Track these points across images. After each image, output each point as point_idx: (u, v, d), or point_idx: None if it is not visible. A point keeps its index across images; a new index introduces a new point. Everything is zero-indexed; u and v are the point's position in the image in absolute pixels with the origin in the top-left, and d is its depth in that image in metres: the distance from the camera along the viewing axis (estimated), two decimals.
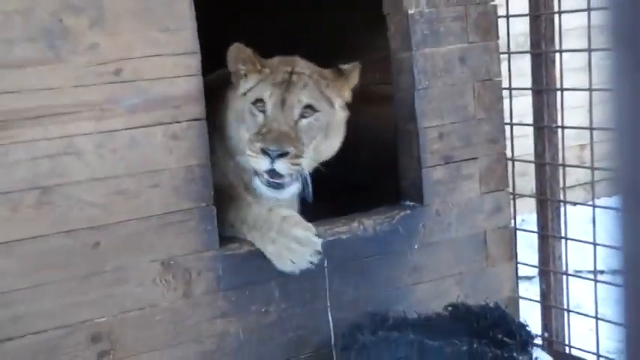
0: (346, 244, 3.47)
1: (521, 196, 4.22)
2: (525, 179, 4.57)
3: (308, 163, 3.34)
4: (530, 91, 4.01)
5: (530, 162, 4.07)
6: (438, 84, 3.67)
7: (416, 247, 3.65)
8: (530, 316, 4.17)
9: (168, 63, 3.06)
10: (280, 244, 3.19)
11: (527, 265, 4.18)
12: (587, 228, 3.81)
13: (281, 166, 3.20)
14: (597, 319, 3.75)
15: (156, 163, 3.07)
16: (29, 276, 2.90)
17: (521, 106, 4.10)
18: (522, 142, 4.16)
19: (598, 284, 3.76)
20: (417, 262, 3.66)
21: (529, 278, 4.61)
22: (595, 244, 3.71)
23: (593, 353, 3.79)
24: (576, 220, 4.16)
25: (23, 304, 2.90)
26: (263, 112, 3.35)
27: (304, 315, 3.40)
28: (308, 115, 3.37)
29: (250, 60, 3.45)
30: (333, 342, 3.38)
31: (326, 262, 3.38)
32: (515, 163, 4.08)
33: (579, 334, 3.99)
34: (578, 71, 3.88)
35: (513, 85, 4.05)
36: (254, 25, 4.79)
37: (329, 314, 3.43)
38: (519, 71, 4.12)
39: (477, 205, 3.83)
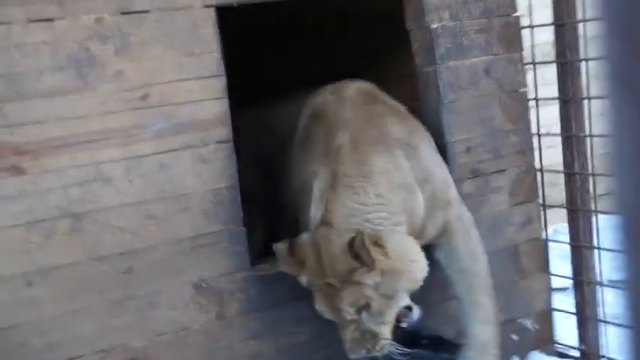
0: None
1: (552, 206, 4.22)
2: (555, 190, 4.56)
3: (389, 329, 3.11)
4: (557, 101, 4.01)
5: (559, 172, 4.06)
6: (464, 97, 3.71)
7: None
8: (566, 328, 4.17)
9: (195, 87, 3.12)
10: None
11: (560, 276, 4.17)
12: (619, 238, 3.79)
13: (376, 354, 3.07)
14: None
15: (185, 186, 3.12)
16: (64, 302, 2.96)
17: (548, 116, 4.11)
18: (551, 152, 4.16)
19: None
20: (442, 279, 3.66)
21: (563, 290, 4.58)
22: None
23: None
24: (609, 229, 4.13)
25: (59, 331, 2.96)
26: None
27: (335, 333, 3.41)
28: (360, 310, 3.02)
29: (292, 263, 3.10)
30: None
31: None
32: (545, 173, 4.09)
33: (617, 345, 3.97)
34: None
35: (539, 95, 4.06)
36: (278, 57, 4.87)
37: None
38: (545, 81, 4.12)
39: (507, 218, 3.84)
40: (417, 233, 3.24)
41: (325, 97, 3.46)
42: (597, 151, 4.00)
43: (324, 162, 3.17)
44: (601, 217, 4.02)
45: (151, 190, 3.07)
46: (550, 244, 4.13)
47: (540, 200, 4.02)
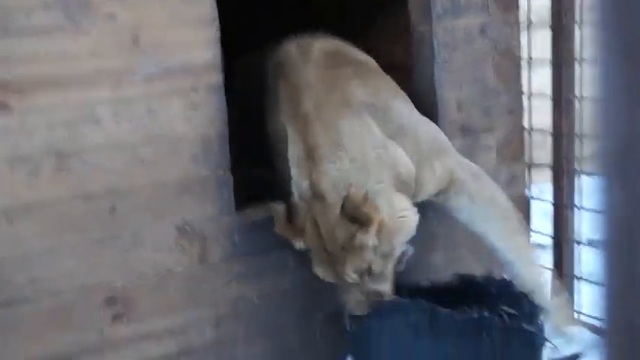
0: None
1: (537, 165, 4.09)
2: (542, 151, 4.43)
3: (390, 284, 3.03)
4: (549, 64, 3.84)
5: (546, 132, 3.94)
6: (458, 56, 3.53)
7: (431, 215, 3.52)
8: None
9: (187, 32, 2.93)
10: None
11: (541, 233, 4.06)
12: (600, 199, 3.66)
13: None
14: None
15: (173, 131, 2.96)
16: (47, 239, 2.82)
17: (539, 78, 3.95)
18: (540, 113, 4.02)
19: None
20: (432, 230, 3.54)
21: (543, 247, 4.49)
22: None
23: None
24: (591, 191, 4.01)
25: (41, 267, 2.82)
26: None
27: (319, 281, 3.29)
28: (363, 274, 2.92)
29: (289, 228, 3.00)
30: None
31: None
32: (533, 134, 3.95)
33: (590, 303, 3.88)
34: None
35: (533, 57, 3.90)
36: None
37: None
38: (539, 43, 3.96)
39: (494, 176, 3.68)
40: (411, 189, 3.10)
41: (290, 48, 3.28)
42: (586, 114, 3.85)
43: (294, 126, 3.03)
44: (585, 178, 3.89)
45: (139, 133, 2.90)
46: (533, 203, 4.00)
47: (527, 160, 3.87)
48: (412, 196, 3.10)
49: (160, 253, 2.99)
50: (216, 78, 3.00)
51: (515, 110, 3.73)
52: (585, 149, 3.94)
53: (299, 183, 2.96)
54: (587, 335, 3.68)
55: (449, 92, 3.54)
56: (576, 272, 3.92)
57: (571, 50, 3.77)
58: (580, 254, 3.91)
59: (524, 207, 3.84)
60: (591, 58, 0.89)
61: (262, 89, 3.43)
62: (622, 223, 0.92)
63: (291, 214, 2.97)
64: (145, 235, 2.96)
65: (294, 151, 3.00)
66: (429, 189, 3.21)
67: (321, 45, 3.27)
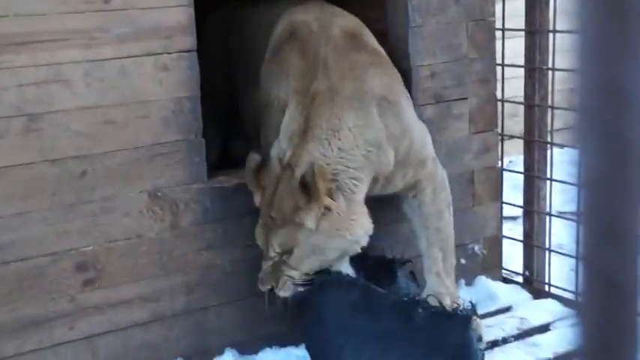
0: None
1: (510, 137, 4.10)
2: (514, 121, 4.44)
3: (301, 272, 2.99)
4: (523, 33, 3.86)
5: (519, 103, 3.95)
6: (432, 22, 3.53)
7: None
8: (513, 255, 4.10)
9: None
10: None
11: (512, 204, 4.08)
12: (573, 171, 3.69)
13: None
14: (578, 259, 3.66)
15: (145, 93, 2.93)
16: (16, 203, 2.78)
17: (513, 48, 3.96)
18: (513, 84, 4.03)
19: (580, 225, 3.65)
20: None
21: (513, 218, 4.52)
22: (579, 186, 3.60)
23: (572, 292, 3.72)
24: (562, 162, 4.05)
25: (9, 231, 2.79)
26: None
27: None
28: (285, 253, 2.94)
29: (255, 182, 3.01)
30: None
31: None
32: (505, 104, 3.95)
33: (560, 273, 3.92)
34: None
35: (507, 26, 3.90)
36: None
37: None
38: (513, 12, 3.96)
39: (466, 145, 3.71)
40: (383, 183, 3.12)
41: (308, 19, 3.23)
42: (559, 85, 3.87)
43: (298, 98, 3.01)
44: (556, 150, 3.91)
45: (110, 94, 2.87)
46: (505, 174, 4.02)
47: (499, 130, 3.87)
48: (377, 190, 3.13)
49: (131, 219, 2.97)
50: (189, 40, 2.98)
51: (489, 79, 3.73)
52: (558, 121, 3.96)
53: (283, 151, 2.97)
54: (557, 307, 3.72)
55: (422, 59, 3.53)
56: (547, 244, 3.95)
57: (545, 19, 3.78)
58: (550, 226, 3.93)
59: (496, 178, 3.86)
60: (569, 9, 0.88)
61: (255, 49, 3.42)
62: (598, 177, 0.90)
63: (262, 169, 2.97)
64: (115, 200, 2.93)
65: (290, 125, 2.99)
66: (395, 187, 3.23)
67: (342, 23, 3.23)
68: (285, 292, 2.94)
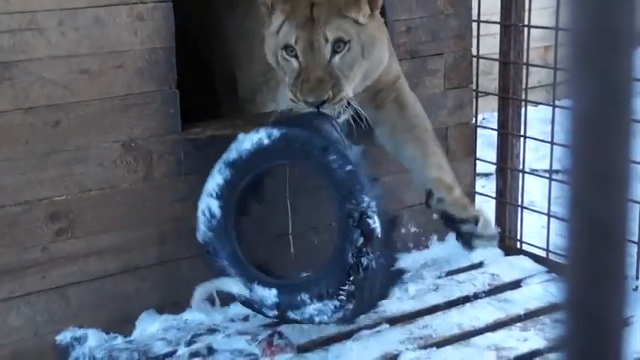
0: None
1: (485, 94, 4.21)
2: (489, 78, 4.54)
3: (355, 89, 3.14)
4: None
5: (494, 60, 4.04)
6: None
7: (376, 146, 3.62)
8: (486, 211, 4.21)
9: None
10: None
11: (485, 161, 4.19)
12: (546, 128, 3.81)
13: (326, 110, 3.02)
14: (549, 216, 3.80)
15: (120, 43, 3.00)
16: None
17: (489, 4, 4.04)
18: (488, 41, 4.12)
19: (552, 183, 3.78)
20: (378, 155, 3.63)
21: (486, 175, 4.63)
22: (552, 144, 3.72)
23: (544, 249, 3.85)
24: (536, 120, 4.17)
25: None
26: (295, 57, 3.06)
27: (261, 202, 3.38)
28: (340, 49, 3.05)
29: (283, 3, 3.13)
30: (290, 229, 3.38)
31: None
32: (480, 61, 4.05)
33: (532, 230, 4.04)
34: None
35: None
36: None
37: (287, 199, 3.40)
38: None
39: (440, 101, 3.81)
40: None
41: None
42: (534, 43, 3.97)
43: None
44: (530, 107, 4.02)
45: (84, 43, 2.94)
46: (478, 131, 4.13)
47: (473, 86, 3.98)
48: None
49: (105, 169, 3.06)
50: None
51: (464, 35, 3.83)
52: (532, 79, 4.07)
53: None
54: (529, 264, 3.84)
55: (398, 14, 3.62)
56: (519, 201, 4.07)
57: None
58: (523, 183, 4.05)
59: (469, 134, 3.97)
60: None
61: None
62: (588, 118, 0.93)
63: None
64: (89, 149, 3.01)
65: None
66: (379, 82, 3.33)
67: None
68: (339, 106, 3.03)
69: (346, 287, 2.95)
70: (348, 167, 2.96)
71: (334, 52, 3.04)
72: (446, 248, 3.91)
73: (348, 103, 3.07)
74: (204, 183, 3.05)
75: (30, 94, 2.88)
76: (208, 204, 3.03)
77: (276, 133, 2.98)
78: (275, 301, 3.02)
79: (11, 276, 2.96)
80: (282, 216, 3.28)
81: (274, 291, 3.03)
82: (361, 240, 2.92)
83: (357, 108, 3.10)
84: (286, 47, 3.08)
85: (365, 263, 2.93)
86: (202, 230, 3.04)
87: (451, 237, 3.95)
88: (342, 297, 2.95)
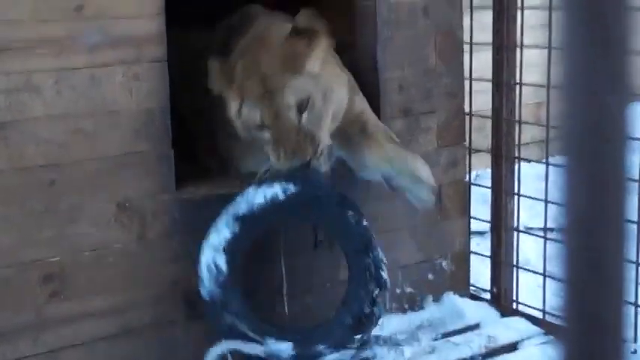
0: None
1: (477, 151, 4.26)
2: (482, 135, 4.59)
3: (327, 134, 3.19)
4: (490, 47, 4.02)
5: (487, 117, 4.09)
6: (401, 35, 3.68)
7: (371, 198, 3.67)
8: (480, 271, 4.24)
9: (132, 2, 3.03)
10: None
11: (479, 220, 4.23)
12: (540, 185, 3.86)
13: (315, 164, 3.07)
14: (545, 276, 3.82)
15: (115, 103, 3.05)
16: None
17: (481, 62, 4.12)
18: (481, 98, 4.18)
19: (547, 242, 3.82)
20: (372, 213, 3.66)
21: (481, 233, 4.65)
22: (546, 202, 3.77)
23: (540, 310, 3.87)
24: (530, 177, 4.21)
25: None
26: (266, 129, 3.10)
27: (257, 260, 3.40)
28: (304, 107, 3.09)
29: (225, 80, 3.19)
30: (285, 289, 3.40)
31: None
32: (473, 118, 4.11)
33: (528, 290, 4.06)
34: (538, 29, 3.91)
35: (475, 41, 4.06)
36: None
37: (282, 258, 3.43)
38: (481, 26, 4.12)
39: (434, 159, 3.85)
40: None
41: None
42: (526, 100, 4.03)
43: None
44: (523, 164, 4.07)
45: (80, 103, 2.98)
46: (472, 188, 4.17)
47: (466, 144, 4.03)
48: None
49: (99, 229, 3.08)
50: (160, 50, 3.10)
51: (457, 93, 3.90)
52: (524, 135, 4.13)
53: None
54: (525, 325, 3.85)
55: (391, 72, 3.68)
56: (514, 260, 4.09)
57: (513, 34, 3.95)
58: (518, 242, 4.07)
59: (463, 192, 4.01)
60: (557, 43, 0.94)
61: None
62: (582, 208, 0.95)
63: (226, 64, 3.19)
64: (83, 209, 3.04)
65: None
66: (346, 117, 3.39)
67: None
68: (324, 162, 3.08)
69: (361, 335, 3.09)
70: (364, 222, 3.17)
71: (300, 112, 3.08)
72: (441, 309, 3.92)
73: (330, 148, 3.16)
74: (206, 237, 3.08)
75: (25, 153, 2.91)
76: (214, 259, 3.06)
77: (292, 188, 3.05)
78: (292, 354, 3.05)
79: (3, 339, 2.96)
80: (277, 276, 3.31)
81: (289, 344, 3.05)
82: (377, 291, 3.04)
83: (340, 153, 3.27)
84: (255, 127, 3.13)
85: (378, 313, 3.11)
86: (207, 286, 3.06)
87: (446, 297, 3.98)
88: (358, 345, 3.06)
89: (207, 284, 3.06)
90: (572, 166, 0.95)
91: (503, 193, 4.06)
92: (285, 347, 3.05)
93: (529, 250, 4.25)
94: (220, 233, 3.07)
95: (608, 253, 0.94)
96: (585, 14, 0.92)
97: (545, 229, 3.82)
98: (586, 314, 0.96)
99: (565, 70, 0.93)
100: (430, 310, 3.95)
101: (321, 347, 3.04)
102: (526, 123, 4.06)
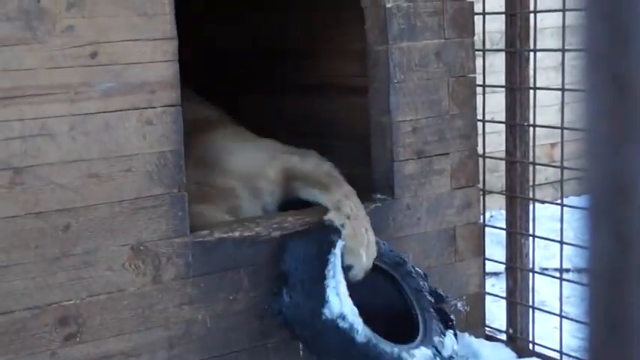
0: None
1: (491, 192, 4.26)
2: (496, 176, 4.61)
3: None
4: (503, 89, 4.04)
5: (501, 159, 4.10)
6: (413, 78, 3.70)
7: (385, 240, 3.67)
8: (496, 312, 4.22)
9: (145, 48, 3.06)
10: None
11: (494, 261, 4.21)
12: (555, 226, 3.86)
13: None
14: (562, 317, 3.80)
15: (129, 147, 3.07)
16: None
17: (494, 104, 4.13)
18: (494, 139, 4.20)
19: (563, 282, 3.80)
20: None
21: (496, 274, 4.64)
22: (562, 243, 3.76)
23: (557, 351, 3.84)
24: (544, 218, 4.21)
25: None
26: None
27: (272, 304, 3.41)
28: None
29: None
30: None
31: None
32: (486, 159, 4.11)
33: (544, 331, 4.04)
34: (550, 70, 3.93)
35: (487, 82, 4.08)
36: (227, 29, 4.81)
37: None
38: (493, 68, 4.15)
39: (448, 201, 3.86)
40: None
41: None
42: (539, 141, 4.04)
43: None
44: (538, 205, 4.06)
45: (94, 148, 3.01)
46: (486, 229, 4.15)
47: (480, 185, 4.03)
48: None
49: (113, 273, 3.09)
50: (173, 95, 3.13)
51: (470, 135, 3.91)
52: (539, 176, 4.13)
53: None
54: None
55: (404, 115, 3.70)
56: (530, 301, 4.08)
57: (525, 76, 3.97)
58: (534, 283, 4.06)
59: (478, 233, 4.01)
60: (578, 89, 0.92)
61: None
62: (607, 262, 0.93)
63: None
64: (98, 253, 3.05)
65: None
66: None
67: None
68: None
69: None
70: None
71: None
72: (458, 350, 3.90)
73: None
74: None
75: (40, 198, 2.93)
76: None
77: None
78: None
79: None
80: None
81: None
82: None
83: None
84: None
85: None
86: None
87: (462, 338, 3.95)
88: None
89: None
90: (595, 220, 0.94)
91: (517, 234, 4.05)
92: None
93: (544, 290, 4.24)
94: None
95: (630, 302, 0.92)
96: (603, 59, 0.91)
97: (560, 270, 3.80)
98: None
99: (586, 123, 0.92)
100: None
101: None
102: (539, 164, 4.07)
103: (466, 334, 3.98)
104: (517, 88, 3.97)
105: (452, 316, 3.47)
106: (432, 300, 3.46)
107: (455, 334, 3.41)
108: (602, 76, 0.90)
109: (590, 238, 0.93)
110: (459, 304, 3.97)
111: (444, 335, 3.36)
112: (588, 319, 0.94)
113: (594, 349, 0.95)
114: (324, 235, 3.34)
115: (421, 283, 3.48)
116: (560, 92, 3.79)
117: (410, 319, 3.43)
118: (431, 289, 3.51)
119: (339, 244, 3.29)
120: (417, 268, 3.51)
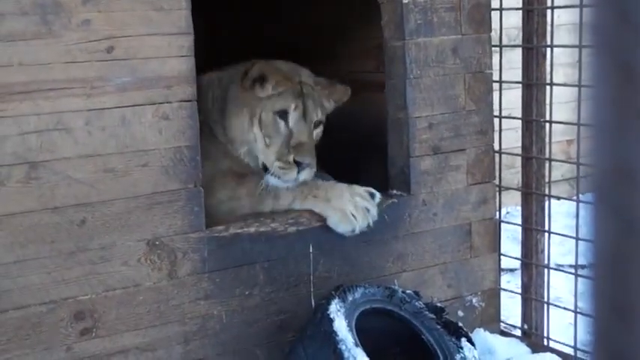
0: (332, 231, 3.42)
1: (507, 188, 4.19)
2: (512, 172, 4.54)
3: None
4: (519, 85, 3.97)
5: (517, 155, 4.04)
6: (430, 74, 3.63)
7: (401, 235, 3.61)
8: (511, 308, 4.16)
9: (161, 42, 3.00)
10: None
11: (510, 257, 4.16)
12: (571, 222, 3.79)
13: (305, 175, 3.40)
14: (576, 312, 3.74)
15: (145, 142, 3.01)
16: (15, 251, 2.84)
17: (510, 100, 4.07)
18: (510, 135, 4.13)
19: (578, 278, 3.73)
20: (402, 250, 3.63)
21: (511, 270, 4.59)
22: (577, 239, 3.69)
23: (571, 346, 3.77)
24: (560, 214, 4.14)
25: (8, 279, 2.84)
26: (285, 122, 3.48)
27: (287, 299, 3.36)
28: (317, 126, 3.62)
29: (282, 76, 3.54)
30: None
31: (311, 247, 3.36)
32: (503, 155, 4.05)
33: (559, 327, 3.98)
34: (567, 66, 3.86)
35: (504, 78, 4.02)
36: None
37: (312, 299, 3.40)
38: (510, 64, 4.08)
39: (463, 196, 3.80)
40: None
41: None
42: (555, 137, 3.96)
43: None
44: (554, 202, 4.00)
45: (110, 143, 2.95)
46: (502, 225, 4.09)
47: (496, 181, 3.97)
48: None
49: (129, 268, 3.03)
50: (189, 89, 3.07)
51: (486, 131, 3.83)
52: (555, 173, 4.06)
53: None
54: None
55: (420, 111, 3.63)
56: (545, 296, 4.01)
57: (542, 72, 3.90)
58: (549, 278, 4.00)
59: (493, 229, 3.94)
60: (586, 82, 0.91)
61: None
62: (611, 252, 0.91)
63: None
64: (114, 248, 3.00)
65: None
66: None
67: None
68: (312, 173, 3.48)
69: None
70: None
71: (315, 126, 3.57)
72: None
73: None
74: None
75: (56, 193, 2.88)
76: None
77: None
78: None
79: None
80: None
81: None
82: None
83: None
84: (280, 112, 3.47)
85: None
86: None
87: (477, 334, 3.90)
88: None
89: None
90: (600, 206, 0.90)
91: (533, 230, 3.98)
92: None
93: (560, 286, 4.17)
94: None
95: (636, 288, 0.90)
96: (614, 53, 0.88)
97: (575, 266, 3.73)
98: (613, 352, 0.91)
99: (593, 109, 0.89)
100: None
101: None
102: (556, 160, 4.00)
103: (481, 330, 3.93)
104: (534, 84, 3.90)
105: (459, 324, 3.37)
106: (434, 316, 3.35)
107: (469, 340, 3.32)
108: (609, 63, 0.88)
109: (595, 225, 0.91)
110: (474, 300, 3.91)
111: (462, 348, 3.26)
112: (593, 306, 0.93)
113: (599, 336, 0.93)
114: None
115: (417, 304, 3.38)
116: (576, 89, 3.72)
117: (423, 346, 3.33)
118: (427, 305, 3.40)
119: (333, 304, 3.17)
120: (407, 291, 3.40)
